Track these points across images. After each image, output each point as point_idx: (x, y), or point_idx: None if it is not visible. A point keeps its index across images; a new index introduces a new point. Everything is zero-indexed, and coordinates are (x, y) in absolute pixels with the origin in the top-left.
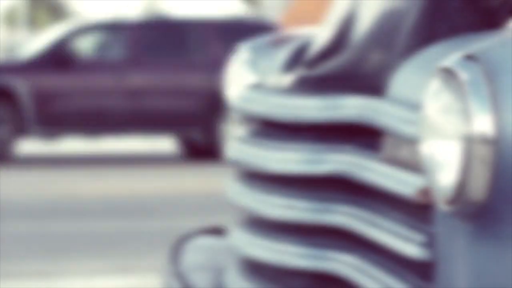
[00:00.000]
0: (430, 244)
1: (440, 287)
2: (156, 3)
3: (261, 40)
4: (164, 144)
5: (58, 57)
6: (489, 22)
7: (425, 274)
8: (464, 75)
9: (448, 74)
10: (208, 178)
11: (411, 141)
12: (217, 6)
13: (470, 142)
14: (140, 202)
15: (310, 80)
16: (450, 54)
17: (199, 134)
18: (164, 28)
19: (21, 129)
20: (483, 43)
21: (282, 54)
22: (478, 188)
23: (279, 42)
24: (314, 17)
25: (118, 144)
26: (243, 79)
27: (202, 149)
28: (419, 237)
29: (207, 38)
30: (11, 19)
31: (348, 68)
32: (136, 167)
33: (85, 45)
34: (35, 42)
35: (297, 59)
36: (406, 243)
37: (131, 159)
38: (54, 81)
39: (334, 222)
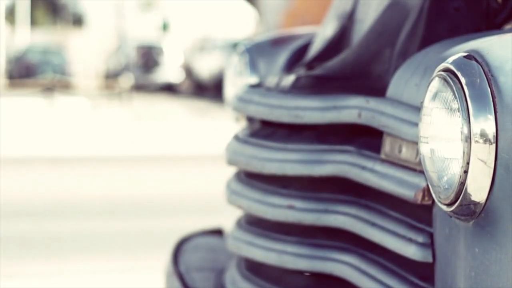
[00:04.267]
0: (430, 244)
1: (440, 287)
2: None
3: (261, 40)
4: None
5: None
6: (489, 22)
7: (425, 274)
8: (464, 75)
9: (448, 74)
10: (208, 178)
11: (411, 141)
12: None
13: (470, 142)
14: (141, 202)
15: (310, 80)
16: (450, 54)
17: None
18: None
19: None
20: (483, 43)
21: (282, 54)
22: (478, 188)
23: (279, 42)
24: (314, 17)
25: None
26: (243, 79)
27: None
28: (419, 237)
29: None
30: (11, 18)
31: (348, 68)
32: (136, 167)
33: None
34: None
35: (297, 59)
36: (406, 243)
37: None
38: None
39: (334, 222)
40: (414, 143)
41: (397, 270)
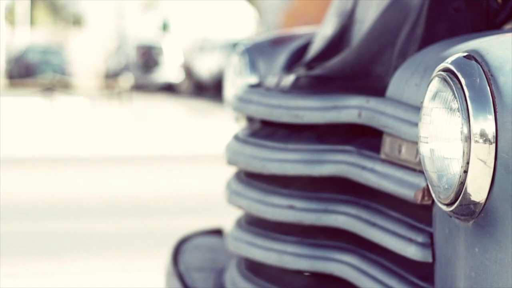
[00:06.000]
0: (430, 244)
1: (440, 287)
2: None
3: (261, 40)
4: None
5: None
6: (489, 22)
7: (425, 274)
8: (464, 75)
9: (448, 74)
10: (208, 178)
11: (411, 141)
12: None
13: (470, 142)
14: (140, 202)
15: (310, 80)
16: (450, 54)
17: None
18: None
19: None
20: (483, 43)
21: (282, 54)
22: (478, 188)
23: (279, 42)
24: (314, 17)
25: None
26: (243, 79)
27: None
28: (419, 237)
29: None
30: (11, 18)
31: (348, 68)
32: (136, 167)
33: None
34: None
35: (297, 59)
36: (406, 243)
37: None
38: None
39: (334, 222)
40: (414, 143)
41: (397, 270)
